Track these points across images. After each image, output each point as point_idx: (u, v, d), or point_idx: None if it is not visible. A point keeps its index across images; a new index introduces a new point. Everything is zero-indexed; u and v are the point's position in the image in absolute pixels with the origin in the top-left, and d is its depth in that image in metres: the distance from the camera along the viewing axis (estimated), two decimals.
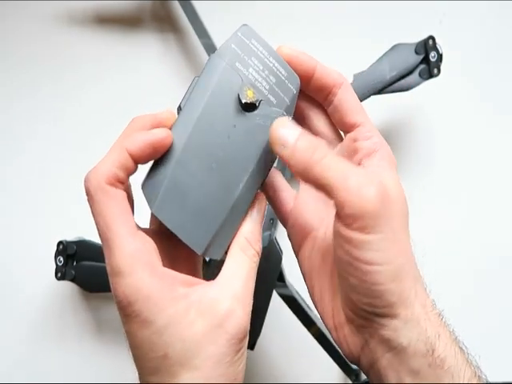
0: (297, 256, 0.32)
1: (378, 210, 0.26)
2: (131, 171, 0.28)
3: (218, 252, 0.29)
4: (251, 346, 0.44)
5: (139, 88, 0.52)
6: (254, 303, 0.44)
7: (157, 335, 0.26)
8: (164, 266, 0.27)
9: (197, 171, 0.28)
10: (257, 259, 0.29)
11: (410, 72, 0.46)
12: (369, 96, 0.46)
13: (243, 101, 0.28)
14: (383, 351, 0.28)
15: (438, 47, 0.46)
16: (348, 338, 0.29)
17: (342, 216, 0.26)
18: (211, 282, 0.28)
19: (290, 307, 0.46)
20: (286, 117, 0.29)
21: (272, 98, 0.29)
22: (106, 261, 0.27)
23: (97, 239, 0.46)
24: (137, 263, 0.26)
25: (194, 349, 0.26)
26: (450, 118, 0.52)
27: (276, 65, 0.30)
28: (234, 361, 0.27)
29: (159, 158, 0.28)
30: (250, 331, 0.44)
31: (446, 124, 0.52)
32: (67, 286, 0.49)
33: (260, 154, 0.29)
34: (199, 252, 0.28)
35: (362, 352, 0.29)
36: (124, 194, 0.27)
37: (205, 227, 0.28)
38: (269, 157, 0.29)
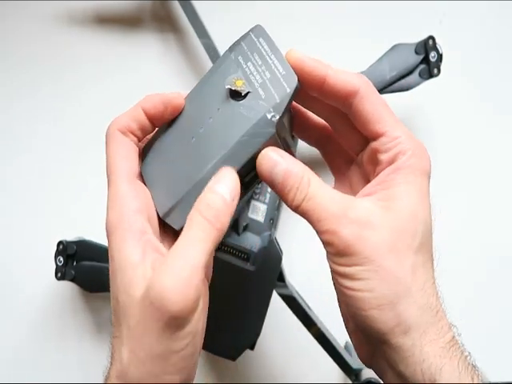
0: None
1: (356, 243, 0.26)
2: (145, 128, 0.31)
3: (177, 221, 0.30)
4: (251, 346, 0.44)
5: (139, 88, 0.52)
6: (253, 303, 0.44)
7: (114, 275, 0.28)
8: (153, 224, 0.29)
9: (179, 140, 0.30)
10: (211, 232, 0.27)
11: (410, 72, 0.46)
12: None
13: (227, 86, 0.29)
14: (387, 368, 0.28)
15: (438, 47, 0.46)
16: (360, 345, 0.30)
17: (329, 253, 0.28)
18: (168, 252, 0.27)
19: (289, 307, 0.46)
20: (270, 148, 0.28)
21: (261, 92, 0.29)
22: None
23: (97, 239, 0.46)
24: (124, 204, 0.29)
25: (130, 309, 0.26)
26: (449, 117, 0.52)
27: (275, 62, 0.30)
28: (163, 340, 0.25)
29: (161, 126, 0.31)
30: (250, 331, 0.44)
31: (445, 124, 0.52)
32: (67, 285, 0.49)
33: (235, 141, 0.29)
34: (160, 213, 0.30)
35: (372, 360, 0.29)
36: (132, 144, 0.31)
37: (171, 192, 0.30)
38: (245, 150, 0.29)
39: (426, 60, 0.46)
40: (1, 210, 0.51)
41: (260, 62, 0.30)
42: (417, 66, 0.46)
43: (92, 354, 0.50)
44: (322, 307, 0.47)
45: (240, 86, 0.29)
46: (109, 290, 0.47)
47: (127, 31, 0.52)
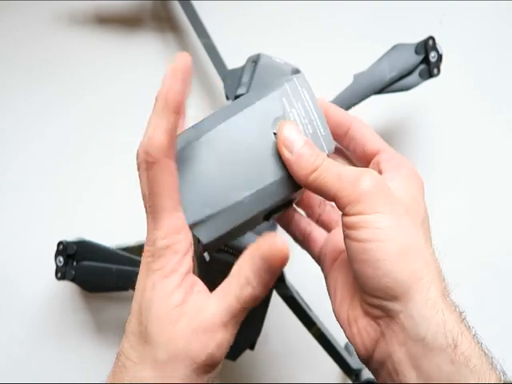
0: (327, 277, 0.34)
1: (373, 192, 0.28)
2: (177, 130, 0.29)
3: (205, 235, 0.30)
4: (251, 346, 0.44)
5: (139, 88, 0.52)
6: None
7: (150, 302, 0.28)
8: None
9: (214, 155, 0.30)
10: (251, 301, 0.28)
11: (410, 72, 0.46)
12: (369, 96, 0.46)
13: (275, 131, 0.31)
14: (400, 343, 0.27)
15: (438, 47, 0.46)
16: (363, 332, 0.29)
17: (341, 207, 0.28)
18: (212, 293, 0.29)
19: (290, 307, 0.46)
20: (294, 122, 0.31)
21: None
22: (151, 225, 0.28)
23: (97, 239, 0.46)
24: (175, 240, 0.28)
25: (160, 343, 0.27)
26: (450, 117, 0.52)
27: (317, 120, 0.32)
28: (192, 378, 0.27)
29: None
30: (250, 331, 0.44)
31: (445, 124, 0.52)
32: (67, 286, 0.49)
33: (273, 181, 0.31)
34: (187, 221, 0.29)
35: (376, 346, 0.29)
36: (175, 166, 0.28)
37: (203, 204, 0.30)
38: (280, 192, 0.31)
39: (426, 60, 0.46)
40: (1, 210, 0.51)
41: (304, 114, 0.32)
42: (417, 66, 0.46)
43: (92, 354, 0.50)
44: (322, 307, 0.47)
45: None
46: (109, 290, 0.47)
47: (127, 31, 0.52)
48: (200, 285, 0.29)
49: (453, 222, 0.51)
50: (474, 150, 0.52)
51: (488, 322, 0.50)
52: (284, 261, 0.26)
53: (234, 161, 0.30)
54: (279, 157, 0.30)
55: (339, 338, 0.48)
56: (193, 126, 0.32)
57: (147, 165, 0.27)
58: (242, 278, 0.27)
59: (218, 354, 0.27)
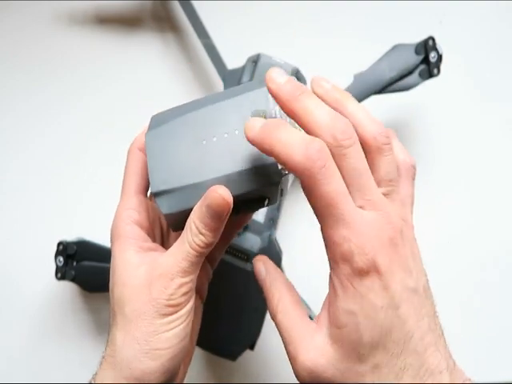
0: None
1: None
2: None
3: (165, 207, 0.32)
4: (251, 346, 0.44)
5: (139, 88, 0.52)
6: (253, 303, 0.44)
7: (113, 272, 0.32)
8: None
9: (190, 134, 0.31)
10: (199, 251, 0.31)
11: (410, 72, 0.46)
12: (369, 96, 0.46)
13: (253, 118, 0.30)
14: None
15: (438, 47, 0.46)
16: None
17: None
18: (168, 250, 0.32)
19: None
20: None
21: None
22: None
23: (97, 239, 0.46)
24: (130, 215, 0.33)
25: (125, 298, 0.31)
26: (449, 118, 0.52)
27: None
28: (156, 323, 0.30)
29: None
30: (250, 331, 0.44)
31: (445, 124, 0.52)
32: (67, 286, 0.49)
33: (243, 169, 0.30)
34: (152, 189, 0.32)
35: None
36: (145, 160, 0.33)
37: (169, 177, 0.31)
38: (249, 182, 0.30)
39: (426, 60, 0.46)
40: (1, 210, 0.51)
41: (285, 115, 0.31)
42: (417, 66, 0.46)
43: (92, 354, 0.50)
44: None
45: None
46: (108, 290, 0.47)
47: (127, 31, 0.52)
48: (159, 248, 0.33)
49: (453, 222, 0.51)
50: (474, 150, 0.52)
51: (489, 322, 0.50)
52: (223, 204, 0.29)
53: (209, 143, 0.31)
54: (253, 148, 0.29)
55: None
56: (175, 107, 0.33)
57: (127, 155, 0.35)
58: (192, 228, 0.30)
59: (179, 294, 0.30)
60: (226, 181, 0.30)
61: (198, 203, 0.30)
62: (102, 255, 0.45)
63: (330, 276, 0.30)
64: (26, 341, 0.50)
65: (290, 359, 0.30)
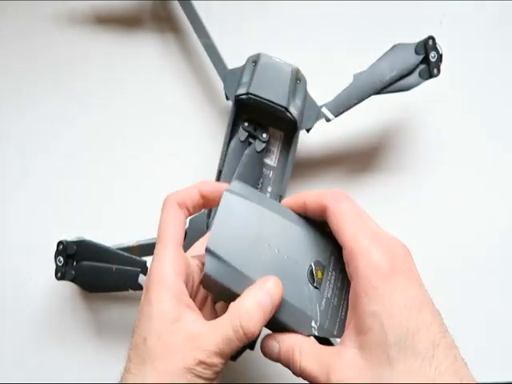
0: None
1: None
2: (197, 207, 0.36)
3: (211, 267, 0.32)
4: (251, 346, 0.44)
5: (139, 88, 0.52)
6: None
7: (148, 317, 0.31)
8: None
9: (262, 231, 0.33)
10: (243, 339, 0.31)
11: (410, 72, 0.46)
12: (369, 96, 0.46)
13: (314, 277, 0.33)
14: None
15: (438, 47, 0.46)
16: None
17: None
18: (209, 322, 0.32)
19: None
20: None
21: (323, 304, 0.33)
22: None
23: (97, 239, 0.46)
24: (170, 265, 0.32)
25: (161, 352, 0.30)
26: (449, 117, 0.52)
27: (346, 298, 0.34)
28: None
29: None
30: None
31: (445, 124, 0.52)
32: (67, 285, 0.49)
33: (289, 303, 0.32)
34: (209, 244, 0.32)
35: None
36: (184, 216, 0.35)
37: (231, 250, 0.32)
38: (286, 315, 0.32)
39: (426, 60, 0.46)
40: (1, 210, 0.51)
41: (339, 285, 0.33)
42: (417, 66, 0.46)
43: (92, 354, 0.50)
44: None
45: (319, 278, 0.33)
46: (109, 290, 0.47)
47: (127, 31, 0.52)
48: (193, 307, 0.32)
49: (453, 222, 0.51)
50: (474, 150, 0.52)
51: (489, 321, 0.50)
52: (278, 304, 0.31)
53: (270, 250, 0.32)
54: (303, 289, 0.32)
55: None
56: (257, 192, 0.35)
57: (163, 205, 0.35)
58: (244, 316, 0.31)
59: (211, 372, 0.30)
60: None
61: (257, 296, 0.31)
62: (102, 255, 0.45)
63: (351, 288, 0.31)
64: (25, 341, 0.50)
65: None
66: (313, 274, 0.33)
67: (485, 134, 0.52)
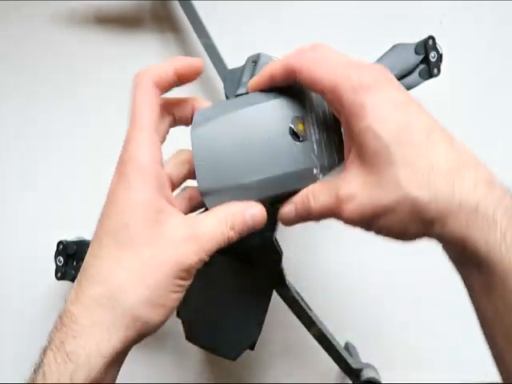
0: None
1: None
2: (170, 83, 0.33)
3: (211, 204, 0.32)
4: (251, 346, 0.44)
5: None
6: (254, 303, 0.44)
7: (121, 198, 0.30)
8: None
9: (237, 135, 0.32)
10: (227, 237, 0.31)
11: (410, 72, 0.46)
12: None
13: (291, 125, 0.33)
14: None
15: (438, 47, 0.46)
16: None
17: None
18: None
19: (290, 307, 0.46)
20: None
21: (315, 147, 0.33)
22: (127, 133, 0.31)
23: None
24: (148, 152, 0.30)
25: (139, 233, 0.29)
26: (449, 117, 0.52)
27: (334, 130, 0.33)
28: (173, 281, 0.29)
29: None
30: (250, 331, 0.44)
31: (445, 124, 0.52)
32: (67, 286, 0.49)
33: (281, 172, 0.32)
34: (200, 188, 0.32)
35: None
36: (159, 97, 0.33)
37: (216, 177, 0.32)
38: (286, 184, 0.33)
39: (426, 60, 0.46)
40: (1, 210, 0.51)
41: (322, 120, 0.33)
42: (417, 66, 0.46)
43: None
44: (322, 307, 0.47)
45: (301, 131, 0.33)
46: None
47: (127, 31, 0.52)
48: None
49: None
50: (474, 150, 0.52)
51: None
52: (261, 223, 0.32)
53: (251, 145, 0.32)
54: (293, 151, 0.32)
55: (339, 337, 0.48)
56: (215, 105, 0.34)
57: (134, 83, 0.33)
58: (230, 223, 0.31)
59: (199, 265, 0.29)
60: (269, 183, 0.32)
61: (242, 209, 0.31)
62: None
63: (342, 120, 0.30)
64: (25, 341, 0.50)
65: (337, 212, 0.29)
66: (295, 132, 0.33)
67: (485, 133, 0.52)
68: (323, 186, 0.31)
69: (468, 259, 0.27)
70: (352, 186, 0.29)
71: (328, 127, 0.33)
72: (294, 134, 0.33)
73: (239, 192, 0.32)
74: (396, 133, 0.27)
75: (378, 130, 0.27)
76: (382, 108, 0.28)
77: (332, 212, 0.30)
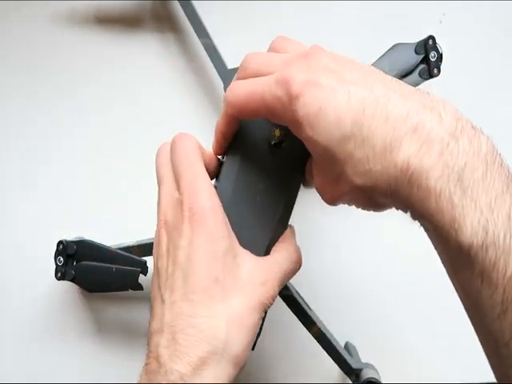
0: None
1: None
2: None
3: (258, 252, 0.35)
4: (252, 346, 0.44)
5: (138, 88, 0.52)
6: None
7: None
8: None
9: (245, 207, 0.34)
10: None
11: (410, 72, 0.46)
12: None
13: (272, 142, 0.34)
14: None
15: (438, 47, 0.46)
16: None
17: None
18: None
19: (289, 307, 0.46)
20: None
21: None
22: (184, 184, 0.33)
23: (97, 239, 0.46)
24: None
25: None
26: None
27: None
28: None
29: None
30: None
31: None
32: (67, 285, 0.49)
33: (290, 180, 0.36)
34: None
35: None
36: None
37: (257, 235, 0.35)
38: (296, 183, 0.36)
39: (426, 60, 0.46)
40: (1, 210, 0.51)
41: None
42: (417, 66, 0.46)
43: (92, 354, 0.50)
44: (322, 307, 0.47)
45: (279, 135, 0.34)
46: (109, 290, 0.47)
47: (127, 31, 0.52)
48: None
49: None
50: None
51: None
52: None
53: (259, 196, 0.35)
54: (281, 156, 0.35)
55: (339, 338, 0.48)
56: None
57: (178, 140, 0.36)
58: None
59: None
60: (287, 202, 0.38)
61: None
62: (102, 255, 0.45)
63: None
64: (25, 341, 0.50)
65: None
66: (276, 143, 0.35)
67: (485, 133, 0.52)
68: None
69: (425, 229, 0.28)
70: (317, 183, 0.32)
71: None
72: (277, 145, 0.34)
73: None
74: (328, 135, 0.27)
75: (313, 137, 0.28)
76: (310, 115, 0.28)
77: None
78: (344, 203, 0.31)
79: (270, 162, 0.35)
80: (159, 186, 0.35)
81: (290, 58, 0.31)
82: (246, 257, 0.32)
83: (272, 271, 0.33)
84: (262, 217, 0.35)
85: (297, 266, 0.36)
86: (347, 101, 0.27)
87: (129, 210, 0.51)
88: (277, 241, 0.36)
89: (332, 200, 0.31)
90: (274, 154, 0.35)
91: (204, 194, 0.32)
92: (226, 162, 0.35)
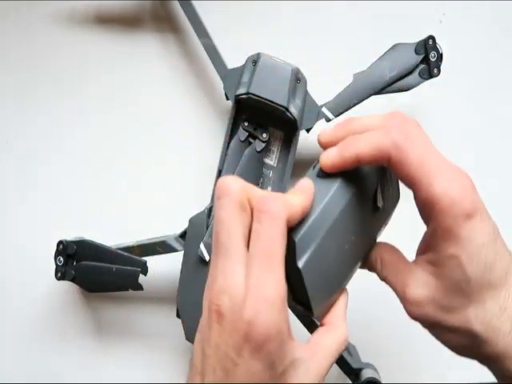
0: None
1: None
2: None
3: (319, 313, 0.32)
4: None
5: (138, 88, 0.52)
6: None
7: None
8: None
9: (336, 247, 0.31)
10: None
11: (410, 72, 0.46)
12: (369, 96, 0.46)
13: (378, 205, 0.33)
14: None
15: (438, 47, 0.46)
16: None
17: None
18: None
19: (289, 307, 0.46)
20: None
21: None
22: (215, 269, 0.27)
23: (97, 239, 0.46)
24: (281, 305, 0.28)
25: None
26: (449, 118, 0.52)
27: None
28: None
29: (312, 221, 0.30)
30: None
31: (445, 124, 0.52)
32: (67, 285, 0.49)
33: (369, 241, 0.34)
34: (315, 313, 0.32)
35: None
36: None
37: (329, 289, 0.32)
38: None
39: (426, 60, 0.46)
40: (1, 210, 0.51)
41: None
42: (417, 66, 0.46)
43: (92, 354, 0.50)
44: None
45: (379, 199, 0.34)
46: (109, 290, 0.47)
47: (127, 31, 0.52)
48: None
49: None
50: (474, 150, 0.52)
51: None
52: None
53: (346, 241, 0.32)
54: (372, 221, 0.34)
55: None
56: (310, 220, 0.31)
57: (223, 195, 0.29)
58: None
59: None
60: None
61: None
62: (102, 255, 0.45)
63: (426, 234, 0.31)
64: (26, 340, 0.50)
65: (401, 301, 0.31)
66: (375, 203, 0.33)
67: (485, 133, 0.52)
68: (392, 260, 0.33)
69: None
70: (420, 292, 0.30)
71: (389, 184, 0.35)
72: (374, 204, 0.33)
73: (337, 290, 0.33)
74: (480, 272, 0.29)
75: (465, 264, 0.28)
76: (473, 242, 0.29)
77: (394, 290, 0.32)
78: (430, 329, 0.31)
79: (369, 219, 0.33)
80: (216, 255, 0.27)
81: None
82: (297, 347, 0.29)
83: (324, 369, 0.29)
84: (341, 268, 0.33)
85: (343, 346, 0.31)
86: None
87: (129, 210, 0.51)
88: (331, 305, 0.33)
89: (425, 320, 0.31)
90: (373, 213, 0.33)
91: (277, 287, 0.27)
92: (335, 192, 0.31)
